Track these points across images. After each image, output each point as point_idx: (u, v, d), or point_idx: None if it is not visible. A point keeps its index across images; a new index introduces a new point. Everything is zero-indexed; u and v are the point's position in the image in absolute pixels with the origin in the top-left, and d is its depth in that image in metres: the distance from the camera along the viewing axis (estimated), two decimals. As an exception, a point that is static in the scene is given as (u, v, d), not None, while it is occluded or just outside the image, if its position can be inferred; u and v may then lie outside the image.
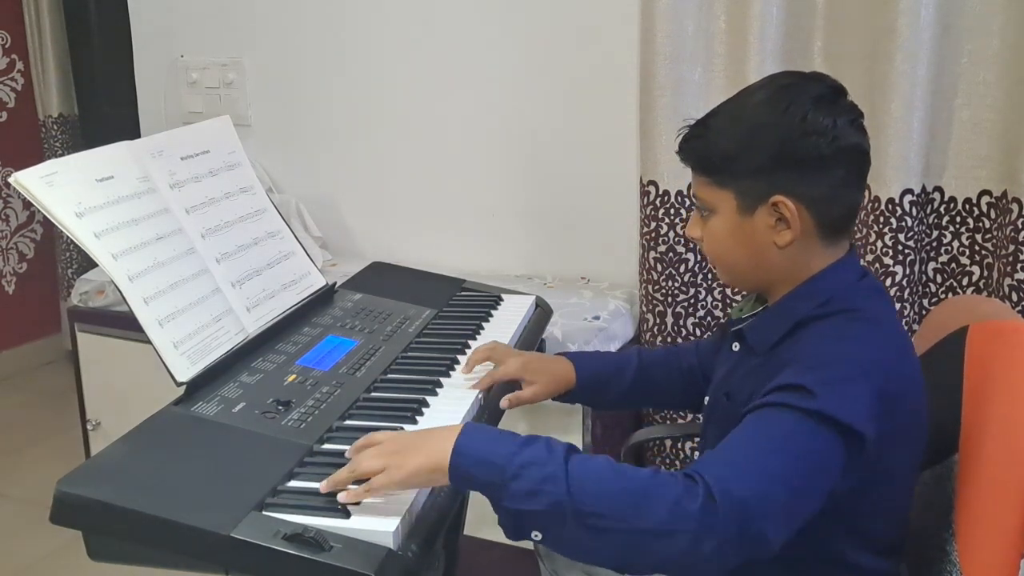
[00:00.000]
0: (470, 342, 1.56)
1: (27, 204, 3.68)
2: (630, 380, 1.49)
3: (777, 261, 1.18)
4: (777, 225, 1.16)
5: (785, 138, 1.13)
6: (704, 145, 1.19)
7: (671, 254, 2.21)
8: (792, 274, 1.19)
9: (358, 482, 1.05)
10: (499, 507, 1.02)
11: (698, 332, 2.24)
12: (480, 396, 1.38)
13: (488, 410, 1.38)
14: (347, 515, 1.02)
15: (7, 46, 3.62)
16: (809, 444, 1.04)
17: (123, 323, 2.42)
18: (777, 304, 1.21)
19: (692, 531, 0.97)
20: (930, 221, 2.01)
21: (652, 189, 2.20)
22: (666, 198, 2.18)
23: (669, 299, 2.23)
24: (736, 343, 1.27)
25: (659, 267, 2.22)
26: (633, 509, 0.98)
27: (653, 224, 2.21)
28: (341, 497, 1.03)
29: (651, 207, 2.20)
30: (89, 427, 2.67)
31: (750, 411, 1.09)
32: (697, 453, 1.70)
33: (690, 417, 2.12)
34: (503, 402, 1.41)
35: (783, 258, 1.18)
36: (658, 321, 2.25)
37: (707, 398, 1.34)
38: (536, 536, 1.01)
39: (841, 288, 1.17)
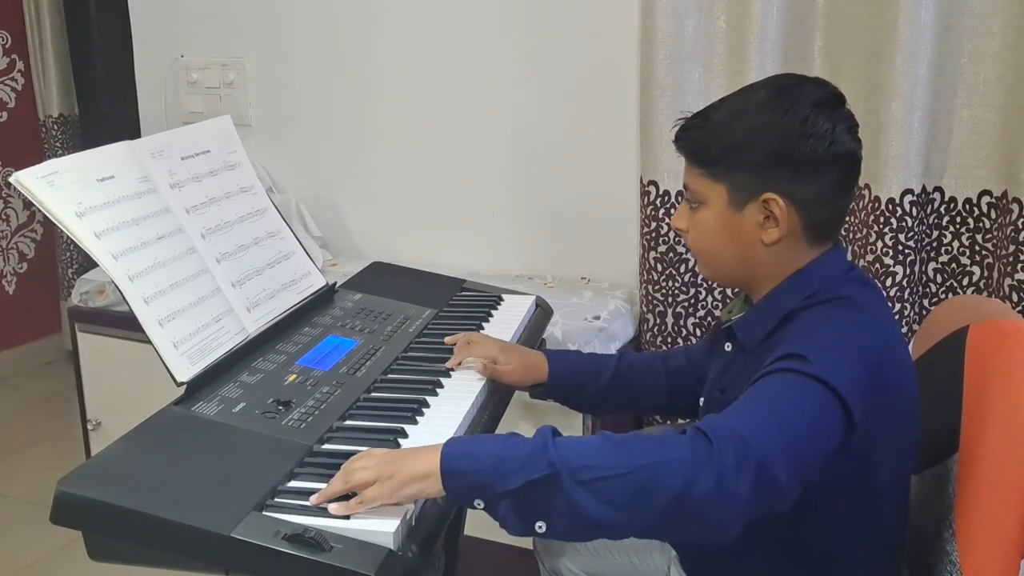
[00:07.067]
0: (471, 342, 1.56)
1: (27, 204, 3.69)
2: (607, 381, 1.49)
3: (762, 258, 1.20)
4: (765, 223, 1.17)
5: (784, 138, 1.14)
6: (704, 135, 1.20)
7: (671, 254, 2.21)
8: (774, 272, 1.20)
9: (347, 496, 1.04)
10: (496, 499, 1.00)
11: (698, 332, 2.24)
12: (480, 396, 1.38)
13: (488, 410, 1.38)
14: (347, 516, 1.02)
15: (7, 46, 3.62)
16: (808, 401, 1.04)
17: (123, 323, 2.42)
18: (765, 299, 1.22)
19: (686, 459, 0.96)
20: (930, 221, 2.00)
21: (652, 189, 2.20)
22: (666, 198, 2.18)
23: (669, 299, 2.23)
24: (728, 343, 1.28)
25: (659, 267, 2.22)
26: (622, 453, 0.99)
27: (653, 224, 2.21)
28: (332, 508, 1.03)
29: (651, 207, 2.20)
30: (89, 427, 2.67)
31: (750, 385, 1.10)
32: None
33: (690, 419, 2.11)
34: (476, 364, 1.42)
35: (768, 255, 1.19)
36: (658, 321, 2.25)
37: (702, 399, 1.35)
38: (540, 528, 0.99)
39: (828, 280, 1.18)
